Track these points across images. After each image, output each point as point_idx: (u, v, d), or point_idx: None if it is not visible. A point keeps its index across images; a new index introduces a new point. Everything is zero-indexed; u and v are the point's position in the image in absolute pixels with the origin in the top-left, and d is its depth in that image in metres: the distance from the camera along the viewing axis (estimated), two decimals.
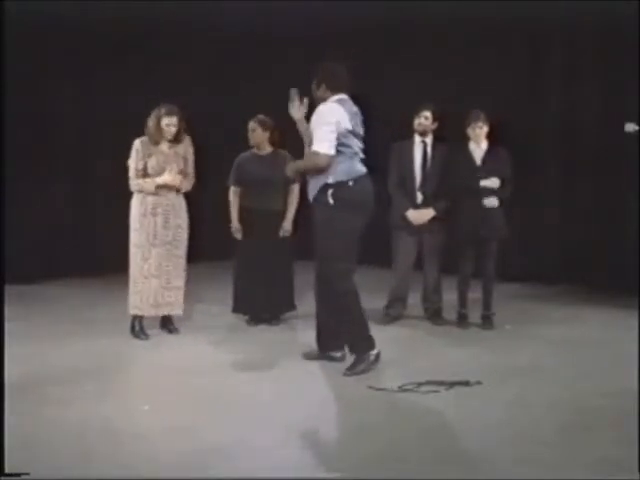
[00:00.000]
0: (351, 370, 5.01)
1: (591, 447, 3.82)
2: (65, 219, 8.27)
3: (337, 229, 4.98)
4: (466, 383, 4.73)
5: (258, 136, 6.35)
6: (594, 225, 7.73)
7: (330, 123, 4.94)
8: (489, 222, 6.11)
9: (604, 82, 7.65)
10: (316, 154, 4.94)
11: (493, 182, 6.08)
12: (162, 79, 8.37)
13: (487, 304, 6.31)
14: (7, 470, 3.39)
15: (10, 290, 5.88)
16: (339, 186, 4.98)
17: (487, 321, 6.29)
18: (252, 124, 6.36)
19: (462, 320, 6.33)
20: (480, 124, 6.13)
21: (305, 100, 5.13)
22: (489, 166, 6.13)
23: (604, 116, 7.59)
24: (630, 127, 6.23)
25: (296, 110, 5.13)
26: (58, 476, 3.48)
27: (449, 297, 6.51)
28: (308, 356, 5.34)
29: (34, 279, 7.87)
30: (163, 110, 5.75)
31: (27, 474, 3.38)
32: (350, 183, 5.01)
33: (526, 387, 4.77)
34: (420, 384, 4.68)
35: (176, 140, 5.84)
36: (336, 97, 5.06)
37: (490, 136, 6.21)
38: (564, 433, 4.03)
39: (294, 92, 5.11)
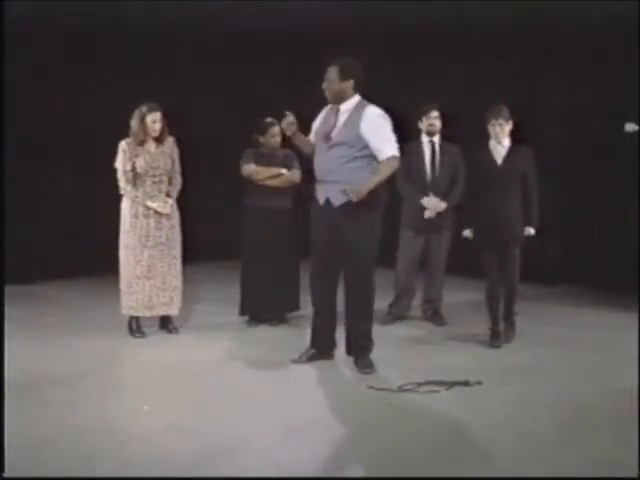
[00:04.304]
0: (373, 368, 5.03)
1: (591, 447, 3.82)
2: (64, 219, 8.26)
3: (378, 231, 5.05)
4: (466, 383, 4.73)
5: (279, 139, 6.20)
6: (594, 225, 7.72)
7: (390, 126, 4.97)
8: (509, 226, 5.68)
9: (604, 82, 7.65)
10: (396, 158, 4.93)
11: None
12: (162, 80, 8.36)
13: (508, 313, 5.91)
14: (7, 470, 3.39)
15: (10, 290, 5.89)
16: (382, 189, 5.01)
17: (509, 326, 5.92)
18: (278, 129, 6.00)
19: (495, 339, 5.76)
20: (500, 121, 5.65)
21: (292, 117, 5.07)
22: (509, 166, 5.68)
23: (604, 116, 7.59)
24: (630, 127, 6.25)
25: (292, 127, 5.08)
26: (58, 476, 3.48)
27: (450, 297, 6.51)
28: (298, 360, 5.24)
29: (34, 279, 7.87)
30: (145, 107, 5.76)
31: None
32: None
33: (526, 387, 4.77)
34: (420, 384, 4.68)
35: (160, 139, 5.86)
36: (358, 97, 5.02)
37: (514, 134, 5.79)
38: (564, 433, 4.03)
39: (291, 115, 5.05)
